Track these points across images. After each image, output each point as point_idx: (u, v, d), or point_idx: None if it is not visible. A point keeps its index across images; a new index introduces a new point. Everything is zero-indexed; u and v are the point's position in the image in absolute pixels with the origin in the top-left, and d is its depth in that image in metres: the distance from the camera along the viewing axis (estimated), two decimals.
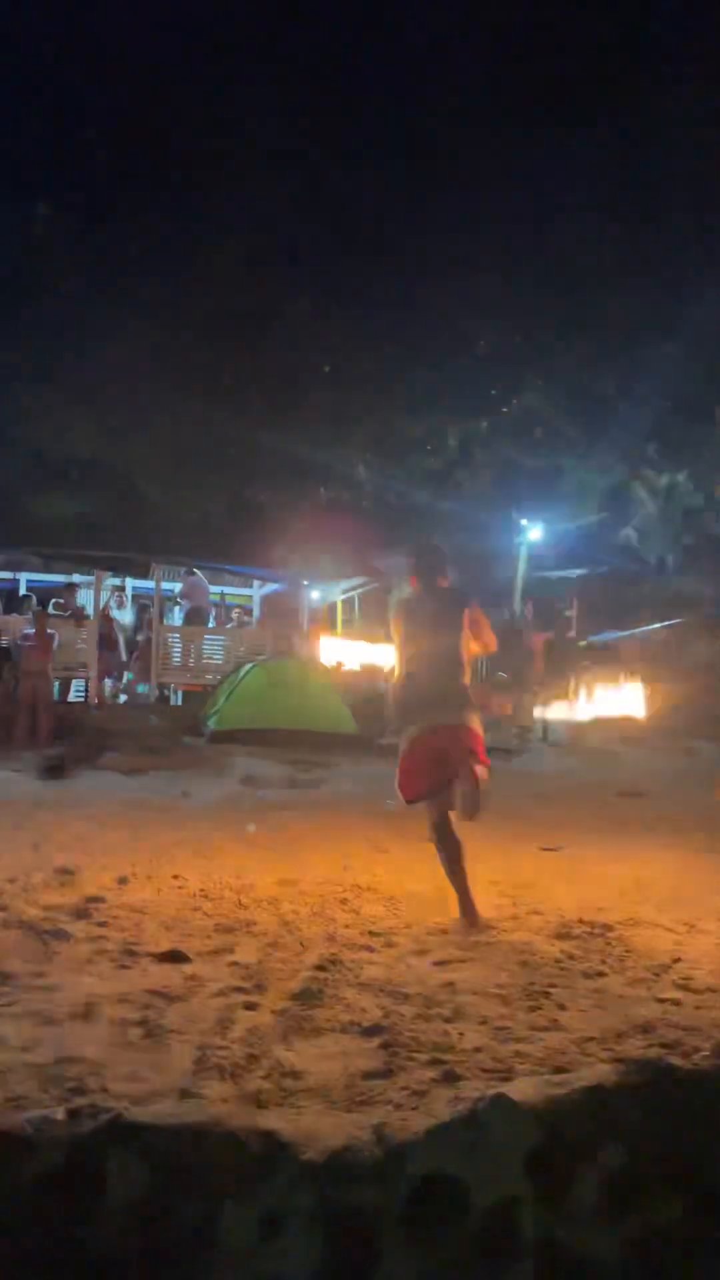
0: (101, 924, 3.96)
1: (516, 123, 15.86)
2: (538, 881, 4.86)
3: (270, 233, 14.86)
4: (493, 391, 15.78)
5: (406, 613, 4.61)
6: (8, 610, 14.63)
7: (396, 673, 4.62)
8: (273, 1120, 2.26)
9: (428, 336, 15.12)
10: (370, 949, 3.69)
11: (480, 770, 4.22)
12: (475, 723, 4.40)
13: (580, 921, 4.05)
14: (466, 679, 4.52)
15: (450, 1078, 2.57)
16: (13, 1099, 2.42)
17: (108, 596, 15.12)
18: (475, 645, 4.60)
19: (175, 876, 4.92)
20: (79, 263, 14.12)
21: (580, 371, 15.11)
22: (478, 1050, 2.77)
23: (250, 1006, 3.05)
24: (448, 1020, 3.00)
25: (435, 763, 4.26)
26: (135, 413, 15.07)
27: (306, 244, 15.06)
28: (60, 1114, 2.18)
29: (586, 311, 14.68)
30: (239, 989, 3.22)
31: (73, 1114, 2.18)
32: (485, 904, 4.35)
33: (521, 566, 18.42)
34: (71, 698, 14.28)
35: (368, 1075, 2.59)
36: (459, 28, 16.16)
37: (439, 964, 3.52)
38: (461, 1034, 2.89)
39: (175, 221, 14.71)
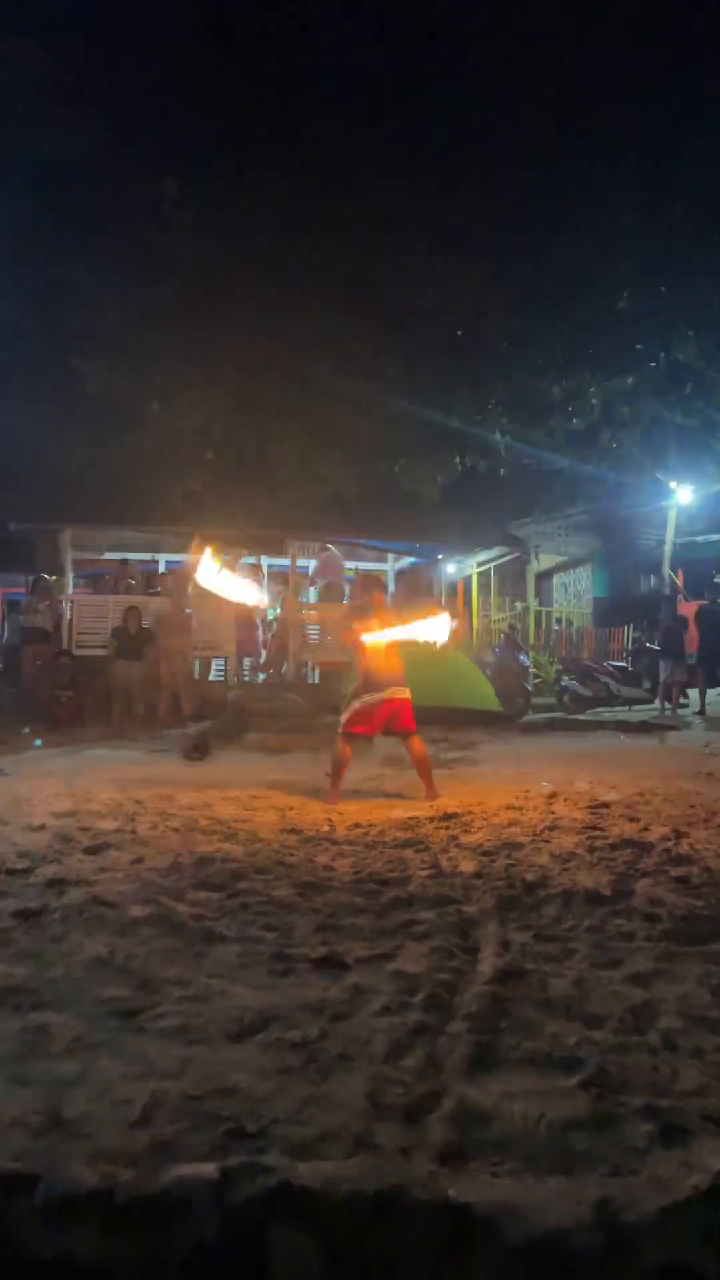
0: (250, 921, 3.66)
1: (653, 54, 14.79)
2: None
3: (399, 191, 14.32)
4: (638, 346, 14.83)
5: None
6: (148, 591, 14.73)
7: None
8: (468, 1187, 1.87)
9: (566, 289, 14.30)
10: (552, 958, 3.26)
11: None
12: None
13: None
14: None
15: (673, 1132, 2.13)
16: (161, 1142, 2.10)
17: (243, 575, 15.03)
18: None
19: (326, 867, 4.60)
20: (208, 234, 13.95)
21: None
22: (700, 1093, 2.31)
23: (421, 1029, 2.67)
24: (654, 1052, 2.55)
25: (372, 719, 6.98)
26: (267, 387, 14.88)
27: (436, 201, 14.44)
28: (215, 1173, 1.85)
29: None
30: (406, 1005, 2.84)
31: (229, 1174, 1.84)
32: (675, 902, 3.86)
33: (670, 532, 17.46)
34: (211, 677, 14.29)
35: (570, 1125, 2.18)
36: None
37: (633, 979, 3.06)
38: (675, 1070, 2.43)
39: (303, 185, 14.34)
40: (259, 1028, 2.69)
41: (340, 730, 7.01)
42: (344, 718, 7.01)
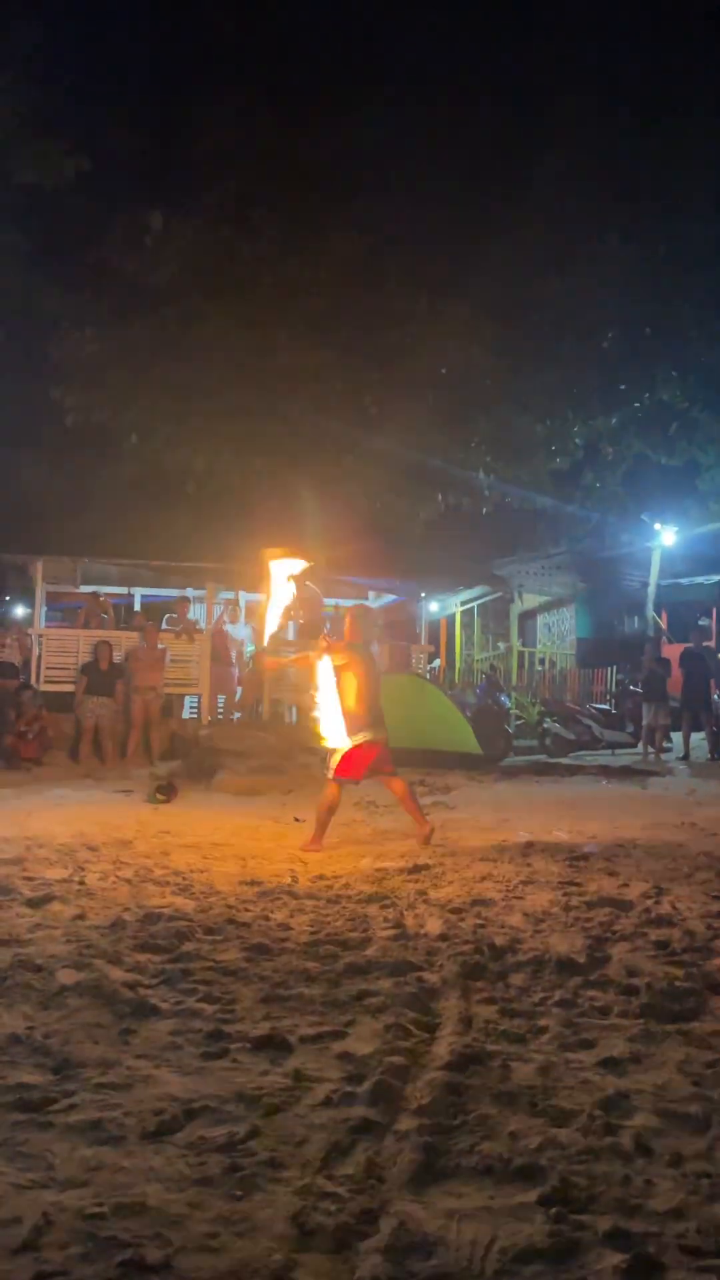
0: (190, 991, 3.35)
1: (635, 89, 14.84)
2: (714, 943, 4.01)
3: (380, 231, 14.28)
4: (622, 386, 14.73)
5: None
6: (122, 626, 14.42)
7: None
8: None
9: (550, 328, 14.21)
10: (517, 1038, 2.96)
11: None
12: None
13: None
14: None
15: (644, 1266, 1.83)
16: (46, 1274, 1.79)
17: (221, 611, 14.77)
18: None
19: (281, 925, 4.28)
20: (190, 268, 13.83)
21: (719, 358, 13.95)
22: (676, 1215, 2.01)
23: (366, 1127, 2.37)
24: (626, 1157, 2.25)
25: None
26: (248, 423, 14.72)
27: (418, 239, 14.40)
28: None
29: None
30: (351, 1096, 2.54)
31: None
32: (655, 971, 3.56)
33: (654, 573, 17.30)
34: (184, 715, 13.95)
35: (526, 1254, 1.88)
36: None
37: (606, 1064, 2.76)
38: (649, 1183, 2.14)
39: (287, 220, 14.27)
40: (180, 1124, 2.39)
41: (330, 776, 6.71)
42: (332, 763, 6.70)
